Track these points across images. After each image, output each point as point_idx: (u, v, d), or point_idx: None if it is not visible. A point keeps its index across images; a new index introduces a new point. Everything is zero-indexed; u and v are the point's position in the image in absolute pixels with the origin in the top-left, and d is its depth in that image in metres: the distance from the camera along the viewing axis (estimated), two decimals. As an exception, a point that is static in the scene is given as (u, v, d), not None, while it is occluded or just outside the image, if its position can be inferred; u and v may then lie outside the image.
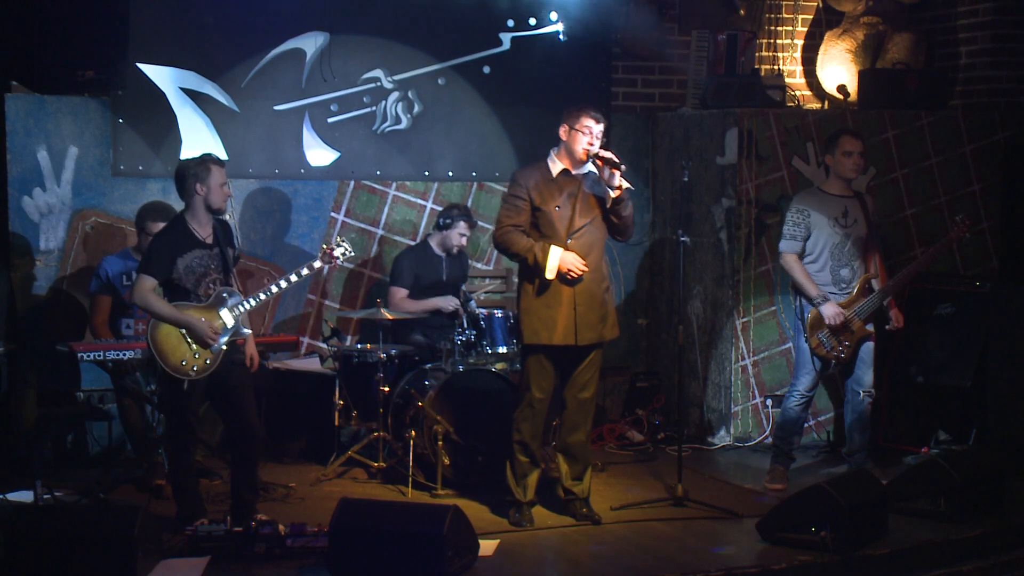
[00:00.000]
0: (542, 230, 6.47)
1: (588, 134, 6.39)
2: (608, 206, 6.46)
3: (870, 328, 7.35)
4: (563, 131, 6.47)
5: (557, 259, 6.37)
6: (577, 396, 6.61)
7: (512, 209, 6.50)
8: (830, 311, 7.22)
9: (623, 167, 6.36)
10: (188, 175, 6.26)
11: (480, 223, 8.66)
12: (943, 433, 8.18)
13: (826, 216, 7.31)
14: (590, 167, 6.49)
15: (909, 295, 8.27)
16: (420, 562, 5.57)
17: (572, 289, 6.43)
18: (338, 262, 6.77)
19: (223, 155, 8.14)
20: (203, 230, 6.29)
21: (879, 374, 8.23)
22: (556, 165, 6.50)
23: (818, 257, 7.32)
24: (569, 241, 6.43)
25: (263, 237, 8.30)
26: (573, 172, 6.49)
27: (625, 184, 6.39)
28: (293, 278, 6.52)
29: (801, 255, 7.33)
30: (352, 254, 6.81)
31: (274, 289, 6.49)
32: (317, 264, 6.67)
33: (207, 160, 6.29)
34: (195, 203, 6.26)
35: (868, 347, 7.37)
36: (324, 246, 6.77)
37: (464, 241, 7.98)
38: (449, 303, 7.82)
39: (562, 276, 6.41)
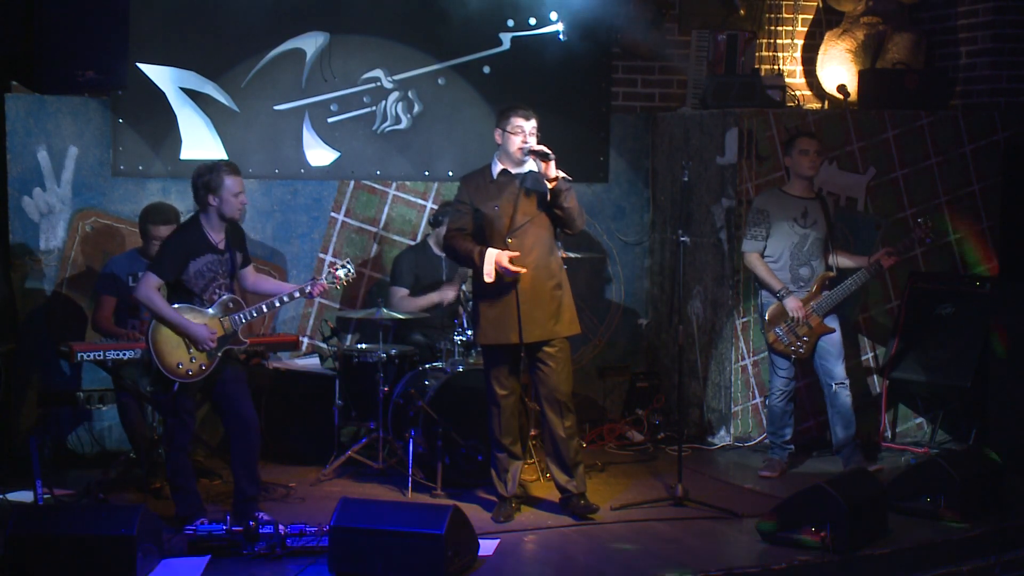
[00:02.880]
0: (484, 231, 6.55)
1: (520, 133, 6.49)
2: (549, 199, 6.49)
3: (830, 324, 7.44)
4: (497, 135, 6.59)
5: (492, 261, 6.44)
6: (549, 397, 6.62)
7: (456, 214, 6.67)
8: (792, 304, 7.37)
9: (554, 156, 6.40)
10: (200, 184, 6.28)
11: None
12: (943, 433, 8.19)
13: (785, 216, 7.47)
14: (530, 165, 6.55)
15: (909, 295, 8.28)
16: (420, 562, 5.57)
17: (515, 288, 6.47)
18: (341, 282, 6.74)
19: (223, 155, 8.15)
20: (216, 235, 6.33)
21: (879, 374, 8.27)
22: (497, 167, 6.61)
23: (779, 256, 7.49)
24: (509, 240, 6.48)
25: (263, 237, 8.29)
26: (513, 172, 6.56)
27: (561, 174, 6.45)
28: (296, 294, 6.57)
29: (763, 254, 7.49)
30: (354, 276, 6.82)
31: (276, 304, 6.55)
32: (323, 283, 6.64)
33: (220, 169, 6.27)
34: (210, 210, 6.28)
35: (832, 339, 7.47)
36: (330, 267, 6.73)
37: None
38: (448, 293, 7.81)
39: (501, 276, 6.45)
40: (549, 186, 6.44)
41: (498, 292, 6.51)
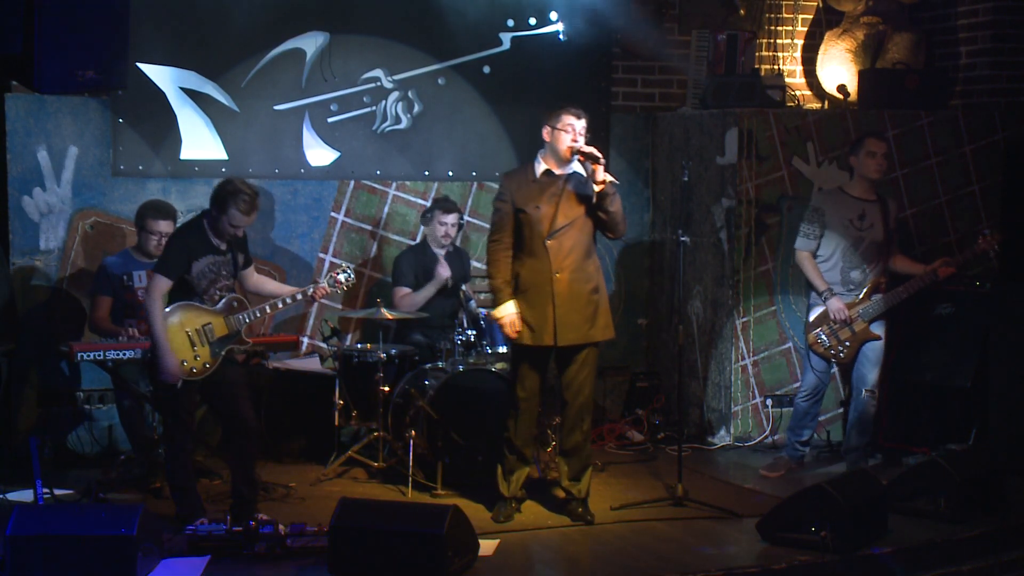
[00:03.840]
0: (523, 231, 6.50)
1: (570, 131, 6.43)
2: (594, 202, 6.46)
3: (876, 330, 7.39)
4: (546, 132, 6.51)
5: (503, 314, 6.51)
6: (573, 399, 6.62)
7: (496, 215, 6.61)
8: (835, 305, 7.30)
9: (604, 161, 6.38)
10: (216, 196, 6.28)
11: (479, 222, 8.67)
12: (943, 433, 8.18)
13: (841, 217, 7.39)
14: (575, 167, 6.51)
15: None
16: (420, 562, 5.57)
17: (552, 290, 6.45)
18: (341, 286, 6.73)
19: (223, 155, 8.16)
20: (218, 237, 6.32)
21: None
22: (540, 166, 6.54)
23: (830, 257, 7.42)
24: (548, 241, 6.44)
25: (263, 237, 8.29)
26: (557, 172, 6.51)
27: (609, 178, 6.42)
28: (298, 296, 6.58)
29: (815, 253, 7.40)
30: (354, 280, 6.82)
31: (279, 305, 6.57)
32: (323, 286, 6.65)
33: (237, 200, 6.21)
34: (212, 218, 6.31)
35: (874, 347, 7.43)
36: (331, 271, 6.73)
37: (450, 231, 7.94)
38: (441, 273, 7.79)
39: (541, 274, 6.45)
40: (597, 189, 6.40)
41: (535, 294, 6.48)
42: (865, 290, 7.39)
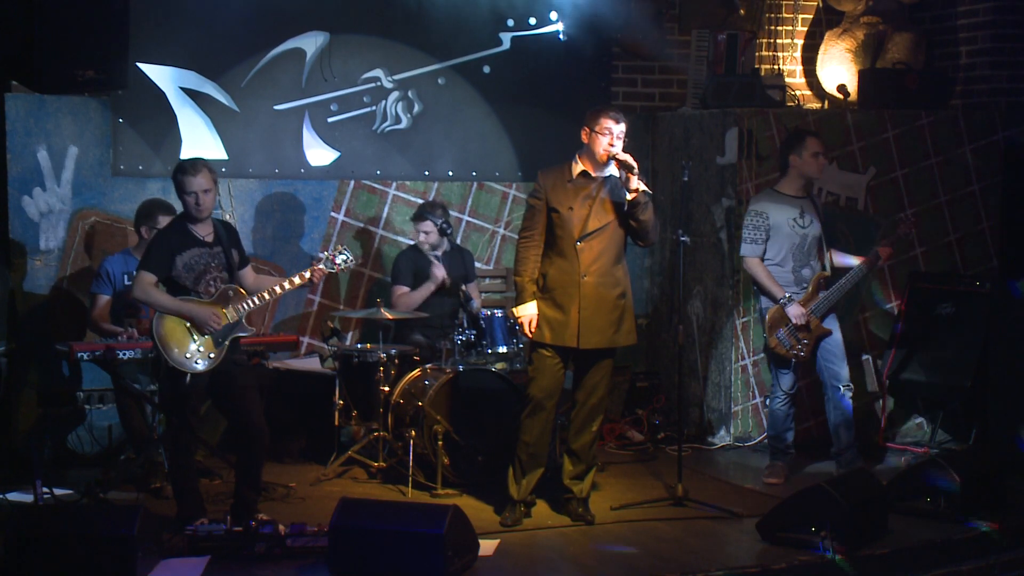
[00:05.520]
0: (555, 231, 6.47)
1: (608, 135, 6.39)
2: (626, 209, 6.45)
3: (829, 326, 7.35)
4: (584, 134, 6.47)
5: (523, 313, 6.48)
6: (585, 399, 6.61)
7: (529, 211, 6.58)
8: (796, 311, 7.26)
9: (637, 169, 6.36)
10: (173, 183, 6.31)
11: (479, 222, 8.66)
12: (943, 433, 8.19)
13: (784, 217, 7.36)
14: (611, 171, 6.49)
15: (909, 295, 8.28)
16: (420, 562, 5.57)
17: (578, 292, 6.43)
18: (340, 269, 6.70)
19: (223, 155, 8.15)
20: (202, 229, 6.32)
21: (879, 375, 8.26)
22: (577, 167, 6.50)
23: (782, 259, 7.37)
24: (579, 244, 6.42)
25: (263, 237, 8.30)
26: (593, 175, 6.48)
27: (642, 187, 6.39)
28: (296, 280, 6.50)
29: (763, 258, 7.37)
30: (353, 263, 6.78)
31: (277, 290, 6.48)
32: (321, 268, 6.61)
33: (179, 169, 6.25)
34: None
35: (834, 341, 7.38)
36: (326, 253, 6.70)
37: (428, 239, 7.90)
38: (437, 273, 7.78)
39: (568, 275, 6.43)
40: (629, 197, 6.39)
41: (560, 294, 6.47)
42: (811, 287, 7.35)
